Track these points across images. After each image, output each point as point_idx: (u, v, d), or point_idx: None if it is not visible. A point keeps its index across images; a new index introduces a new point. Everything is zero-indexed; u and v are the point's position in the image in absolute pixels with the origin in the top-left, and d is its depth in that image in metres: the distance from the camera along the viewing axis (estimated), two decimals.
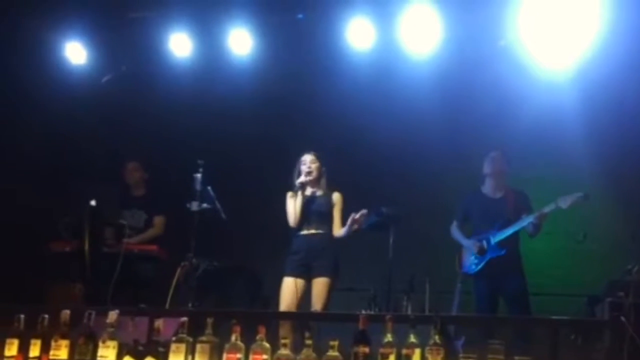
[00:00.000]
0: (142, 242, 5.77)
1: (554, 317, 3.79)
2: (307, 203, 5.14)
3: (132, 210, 5.91)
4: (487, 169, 5.51)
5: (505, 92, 6.13)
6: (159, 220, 5.94)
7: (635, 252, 4.87)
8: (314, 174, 5.17)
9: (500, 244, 5.29)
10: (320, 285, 4.94)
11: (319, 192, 5.21)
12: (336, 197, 5.18)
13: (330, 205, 5.16)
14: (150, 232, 5.89)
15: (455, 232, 5.61)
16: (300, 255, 5.04)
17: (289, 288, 4.97)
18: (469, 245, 5.44)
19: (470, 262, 5.43)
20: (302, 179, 5.12)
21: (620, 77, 5.74)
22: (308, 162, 5.18)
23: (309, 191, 5.22)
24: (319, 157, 5.23)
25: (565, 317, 3.93)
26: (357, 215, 4.95)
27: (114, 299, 4.90)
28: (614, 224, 5.89)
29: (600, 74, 5.78)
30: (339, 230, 5.09)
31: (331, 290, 4.97)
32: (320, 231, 5.08)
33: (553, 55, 5.73)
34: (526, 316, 5.00)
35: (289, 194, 5.17)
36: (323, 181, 5.24)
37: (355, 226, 4.99)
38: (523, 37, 5.69)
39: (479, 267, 5.37)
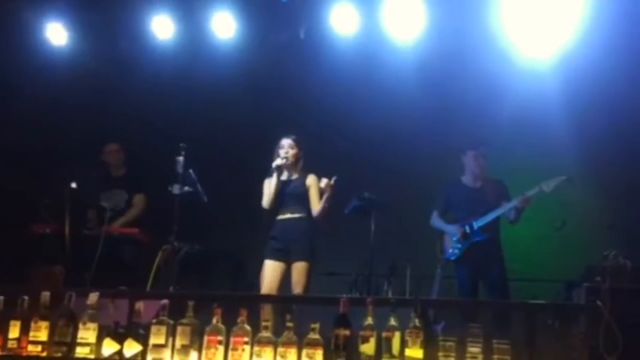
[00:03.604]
0: (125, 224, 5.76)
1: (531, 302, 3.84)
2: (283, 187, 5.17)
3: (112, 190, 5.88)
4: (475, 168, 5.51)
5: (488, 81, 6.16)
6: (139, 198, 5.91)
7: (612, 239, 4.94)
8: (290, 159, 5.18)
9: (483, 229, 5.35)
10: (299, 269, 4.97)
11: (295, 176, 5.24)
12: (310, 179, 5.19)
13: (304, 187, 5.17)
14: (132, 212, 5.87)
15: (437, 220, 5.64)
16: (278, 239, 5.07)
17: (269, 271, 5.00)
18: (453, 231, 5.48)
19: (453, 247, 5.47)
20: (278, 161, 5.14)
21: (602, 66, 5.79)
22: (286, 146, 5.20)
23: (285, 175, 5.24)
24: (297, 142, 5.24)
25: (542, 302, 3.97)
26: (323, 184, 4.98)
27: (95, 282, 4.88)
28: (592, 211, 5.96)
29: (582, 63, 5.83)
30: (317, 208, 5.10)
31: (310, 274, 5.00)
32: (296, 215, 5.10)
33: (536, 44, 5.77)
34: (504, 300, 5.06)
35: (267, 179, 5.20)
36: (299, 165, 5.25)
37: (328, 193, 4.99)
38: (506, 26, 5.72)
39: (461, 252, 5.42)
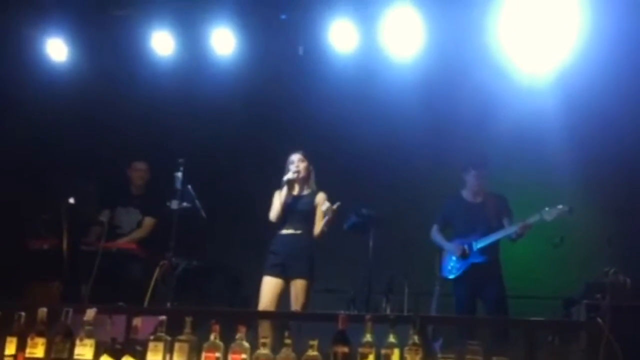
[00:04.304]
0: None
1: (531, 319, 3.82)
2: (293, 202, 5.17)
3: (128, 207, 5.90)
4: (475, 186, 5.52)
5: (487, 97, 6.18)
6: (148, 222, 5.93)
7: (611, 256, 4.93)
8: (302, 173, 5.18)
9: (482, 250, 5.35)
10: (298, 287, 4.96)
11: (305, 192, 5.24)
12: (319, 197, 5.20)
13: (312, 205, 5.18)
14: (137, 233, 5.88)
15: (436, 235, 5.64)
16: (278, 255, 5.06)
17: (268, 287, 4.99)
18: (451, 249, 5.47)
19: (451, 266, 5.46)
20: (289, 175, 5.14)
21: (600, 82, 5.81)
22: (296, 160, 5.21)
23: (296, 190, 5.24)
24: (306, 157, 5.25)
25: (541, 319, 3.95)
26: (324, 208, 4.99)
27: (92, 297, 4.86)
28: (590, 228, 5.94)
29: (580, 80, 5.85)
30: (318, 228, 5.12)
31: (309, 292, 4.98)
32: (299, 232, 5.10)
33: (534, 61, 5.78)
34: (504, 317, 5.04)
35: (277, 191, 5.19)
36: (312, 181, 5.26)
37: (328, 217, 4.99)
38: (504, 42, 5.74)
39: (460, 271, 5.40)
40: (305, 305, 4.93)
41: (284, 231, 5.13)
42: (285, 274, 5.01)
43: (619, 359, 3.39)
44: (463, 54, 5.94)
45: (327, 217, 5.02)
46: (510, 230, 5.28)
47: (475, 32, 5.77)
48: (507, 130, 6.09)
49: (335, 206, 5.01)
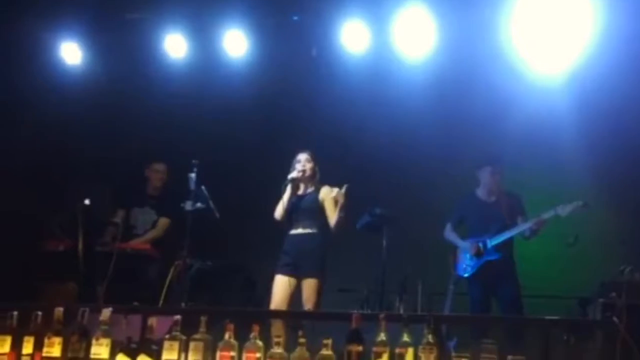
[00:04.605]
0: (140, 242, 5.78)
1: (547, 317, 3.80)
2: (298, 201, 5.17)
3: (144, 208, 5.94)
4: (490, 184, 5.51)
5: (499, 96, 6.16)
6: (163, 222, 5.95)
7: (625, 254, 4.91)
8: (307, 172, 5.19)
9: (497, 247, 5.33)
10: (309, 286, 4.95)
11: (310, 190, 5.24)
12: (323, 192, 5.17)
13: (318, 202, 5.15)
14: (152, 234, 5.90)
15: (450, 233, 5.63)
16: (289, 254, 5.06)
17: (280, 286, 4.99)
18: (465, 247, 5.46)
19: (465, 264, 5.45)
20: (294, 174, 5.15)
21: (613, 81, 5.78)
22: (303, 160, 5.21)
23: (301, 189, 5.25)
24: (313, 157, 5.25)
25: (557, 317, 3.93)
26: (334, 194, 4.98)
27: (108, 298, 4.89)
28: (604, 227, 5.92)
29: (593, 79, 5.83)
30: (333, 220, 5.07)
31: (321, 291, 4.97)
32: (308, 230, 5.09)
33: (546, 60, 5.77)
34: (519, 316, 5.03)
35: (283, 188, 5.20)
36: (316, 180, 5.26)
37: (341, 202, 4.97)
38: (517, 42, 5.73)
39: (474, 269, 5.39)
40: (316, 304, 4.92)
41: (294, 231, 5.13)
42: (297, 273, 5.00)
43: (636, 357, 3.37)
44: (475, 53, 5.93)
45: (340, 203, 5.01)
46: (524, 226, 5.26)
47: (488, 32, 5.76)
48: (520, 130, 6.07)
49: (344, 189, 4.99)
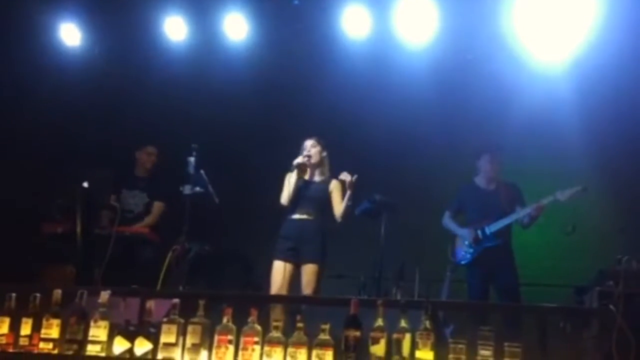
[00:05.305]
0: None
1: (543, 305, 3.82)
2: (304, 187, 5.16)
3: (133, 191, 5.92)
4: (489, 171, 5.51)
5: (500, 84, 6.14)
6: (158, 206, 5.94)
7: (623, 243, 4.92)
8: (313, 158, 5.18)
9: (495, 234, 5.34)
10: (309, 271, 4.96)
11: (318, 178, 5.22)
12: (334, 184, 5.18)
13: (326, 193, 5.16)
14: (148, 220, 5.89)
15: (449, 221, 5.63)
16: (289, 239, 5.05)
17: (279, 271, 4.99)
18: (465, 234, 5.47)
19: (464, 251, 5.46)
20: (299, 159, 5.14)
21: (616, 69, 5.76)
22: (308, 146, 5.21)
23: (307, 175, 5.23)
24: (320, 142, 5.24)
25: (553, 305, 3.95)
26: (343, 177, 4.99)
27: (106, 281, 4.90)
28: (603, 216, 5.93)
29: (595, 67, 5.81)
30: (339, 210, 5.09)
31: (320, 276, 4.98)
32: (310, 217, 5.10)
33: (548, 48, 5.75)
34: (515, 303, 5.04)
35: (288, 174, 5.18)
36: (325, 168, 5.25)
37: (349, 190, 5.00)
38: (519, 29, 5.71)
39: (473, 257, 5.40)
40: (316, 290, 4.93)
41: (295, 216, 5.11)
42: (297, 259, 5.01)
43: (631, 346, 3.39)
44: (477, 40, 5.92)
45: (348, 192, 5.01)
46: (524, 212, 5.26)
47: (490, 19, 5.74)
48: (521, 118, 6.05)
49: (353, 178, 4.99)
